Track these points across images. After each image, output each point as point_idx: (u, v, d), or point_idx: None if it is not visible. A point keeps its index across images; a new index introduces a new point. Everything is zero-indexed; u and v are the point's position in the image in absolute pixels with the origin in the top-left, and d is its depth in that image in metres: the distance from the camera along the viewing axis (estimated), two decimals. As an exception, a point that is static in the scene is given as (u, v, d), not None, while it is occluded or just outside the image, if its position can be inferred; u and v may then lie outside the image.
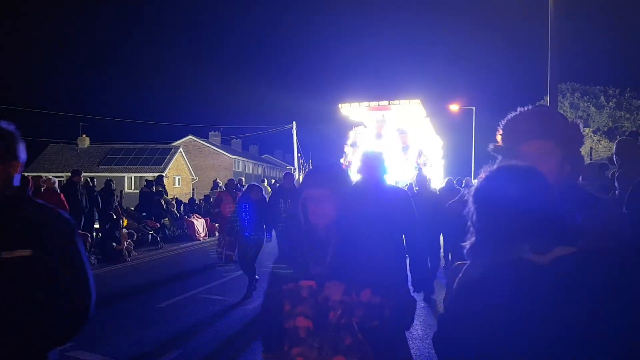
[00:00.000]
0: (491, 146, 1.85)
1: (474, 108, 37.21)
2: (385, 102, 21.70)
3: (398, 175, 20.43)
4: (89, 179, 12.51)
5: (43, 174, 43.83)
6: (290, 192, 8.39)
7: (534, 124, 1.69)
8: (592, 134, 24.19)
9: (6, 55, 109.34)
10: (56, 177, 40.13)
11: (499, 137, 1.83)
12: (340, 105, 22.47)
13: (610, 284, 1.25)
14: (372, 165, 4.67)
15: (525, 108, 1.78)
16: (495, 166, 1.51)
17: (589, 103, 34.15)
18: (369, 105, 21.99)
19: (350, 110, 22.12)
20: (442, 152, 31.13)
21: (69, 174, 40.03)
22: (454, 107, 37.05)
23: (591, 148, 22.68)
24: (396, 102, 21.53)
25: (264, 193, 8.91)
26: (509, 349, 1.27)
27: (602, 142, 23.43)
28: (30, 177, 10.71)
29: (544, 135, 1.65)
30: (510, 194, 1.38)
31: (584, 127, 25.23)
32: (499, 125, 1.82)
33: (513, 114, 1.77)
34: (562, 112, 26.48)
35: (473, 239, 1.46)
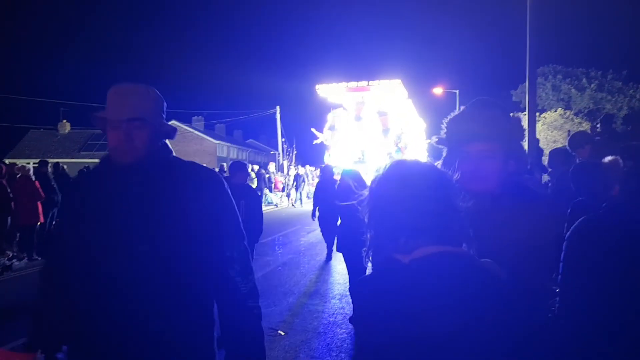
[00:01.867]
0: (434, 139, 1.81)
1: (457, 91, 37.27)
2: (364, 83, 20.79)
3: (378, 159, 20.10)
4: (62, 166, 12.29)
5: (24, 160, 43.35)
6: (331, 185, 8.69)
7: (476, 126, 1.66)
8: (574, 116, 24.32)
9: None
10: (37, 163, 39.57)
11: (443, 134, 1.81)
12: (317, 87, 21.30)
13: (451, 287, 1.23)
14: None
15: (467, 107, 1.75)
16: (391, 161, 1.46)
17: (570, 85, 34.28)
18: (347, 86, 21.06)
19: (328, 91, 21.45)
20: (425, 134, 30.83)
21: (51, 160, 39.35)
22: (438, 90, 37.06)
23: (569, 131, 22.82)
24: (376, 82, 20.67)
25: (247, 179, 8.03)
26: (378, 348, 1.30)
27: (583, 125, 23.56)
28: (3, 165, 10.53)
29: (487, 138, 1.65)
30: (393, 190, 1.35)
31: (565, 110, 25.34)
32: (442, 123, 1.79)
33: (455, 113, 1.75)
34: (544, 94, 26.38)
35: (368, 234, 1.41)
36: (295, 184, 26.07)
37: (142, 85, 1.91)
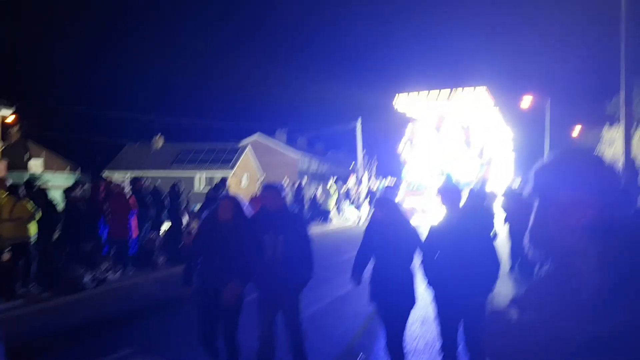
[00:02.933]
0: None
1: (548, 100, 35.65)
2: (446, 92, 19.91)
3: (460, 174, 19.12)
4: (157, 183, 13.05)
5: (121, 173, 46.12)
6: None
7: (565, 178, 1.52)
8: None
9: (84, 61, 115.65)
10: (133, 175, 41.68)
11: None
12: (396, 98, 20.85)
13: None
14: None
15: (555, 157, 1.57)
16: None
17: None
18: (428, 95, 20.27)
19: (407, 102, 20.74)
20: (513, 144, 28.97)
21: (145, 172, 41.40)
22: (527, 99, 35.65)
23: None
24: (459, 90, 19.70)
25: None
26: None
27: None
28: (102, 182, 11.35)
29: (576, 191, 1.49)
30: None
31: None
32: (530, 173, 1.63)
33: (544, 163, 1.58)
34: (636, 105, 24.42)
35: None
36: (369, 199, 21.95)
37: None
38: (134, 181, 12.12)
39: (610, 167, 1.49)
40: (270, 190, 5.09)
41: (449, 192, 4.77)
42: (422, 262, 4.78)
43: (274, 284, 4.76)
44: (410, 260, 4.95)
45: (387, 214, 5.04)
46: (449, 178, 13.94)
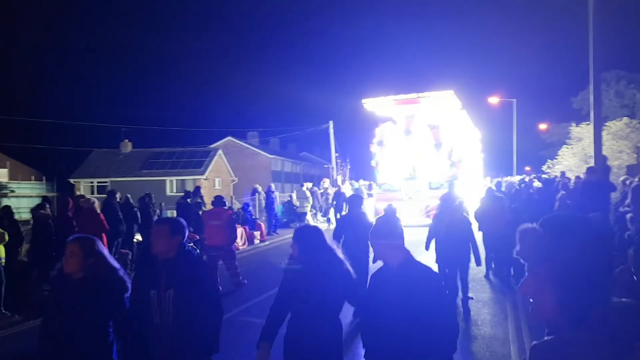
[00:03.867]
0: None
1: (514, 100, 36.26)
2: (413, 95, 19.88)
3: (431, 175, 19.39)
4: (128, 196, 12.70)
5: (88, 180, 44.92)
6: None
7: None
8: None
9: (48, 68, 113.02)
10: (101, 181, 40.93)
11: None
12: (364, 101, 20.72)
13: None
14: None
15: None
16: None
17: (635, 90, 32.80)
18: (395, 99, 20.26)
19: (375, 105, 20.70)
20: (481, 145, 29.35)
21: (113, 179, 40.62)
22: (494, 100, 36.18)
23: (638, 147, 21.62)
24: (426, 94, 19.63)
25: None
26: None
27: (650, 135, 22.42)
28: (70, 199, 11.00)
29: None
30: None
31: (630, 119, 24.11)
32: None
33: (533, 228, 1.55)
34: (607, 100, 25.05)
35: None
36: (334, 203, 20.69)
37: None
38: (109, 195, 11.81)
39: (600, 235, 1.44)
40: (160, 228, 3.71)
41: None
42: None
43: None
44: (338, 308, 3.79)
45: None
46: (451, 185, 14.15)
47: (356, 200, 8.62)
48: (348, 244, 7.14)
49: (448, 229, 8.00)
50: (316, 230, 3.95)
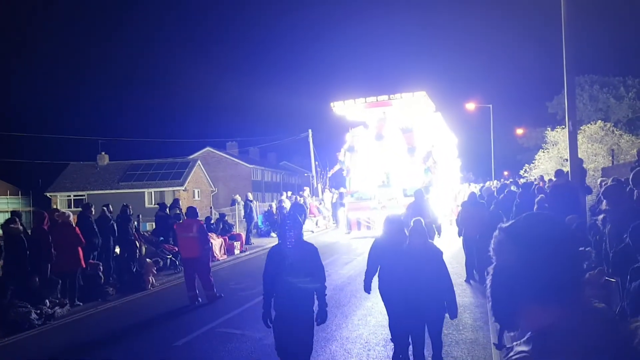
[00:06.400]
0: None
1: (491, 106, 36.69)
2: (384, 97, 19.14)
3: (405, 180, 18.55)
4: (105, 208, 12.45)
5: (64, 193, 44.19)
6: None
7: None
8: (614, 128, 23.50)
9: (21, 81, 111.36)
10: (78, 195, 40.32)
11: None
12: (332, 104, 19.96)
13: None
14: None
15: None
16: None
17: (608, 95, 33.41)
18: (365, 102, 19.47)
19: (345, 109, 19.95)
20: (457, 151, 28.89)
21: (90, 192, 40.00)
22: (471, 106, 36.53)
23: (612, 150, 21.96)
24: (397, 96, 18.87)
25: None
26: None
27: (624, 137, 22.73)
28: (46, 213, 10.76)
29: None
30: None
31: (604, 122, 24.49)
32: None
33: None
34: (581, 104, 25.33)
35: None
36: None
37: None
38: (84, 208, 11.59)
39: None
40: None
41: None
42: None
43: None
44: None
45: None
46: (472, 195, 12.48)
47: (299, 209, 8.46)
48: None
49: (402, 262, 5.36)
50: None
